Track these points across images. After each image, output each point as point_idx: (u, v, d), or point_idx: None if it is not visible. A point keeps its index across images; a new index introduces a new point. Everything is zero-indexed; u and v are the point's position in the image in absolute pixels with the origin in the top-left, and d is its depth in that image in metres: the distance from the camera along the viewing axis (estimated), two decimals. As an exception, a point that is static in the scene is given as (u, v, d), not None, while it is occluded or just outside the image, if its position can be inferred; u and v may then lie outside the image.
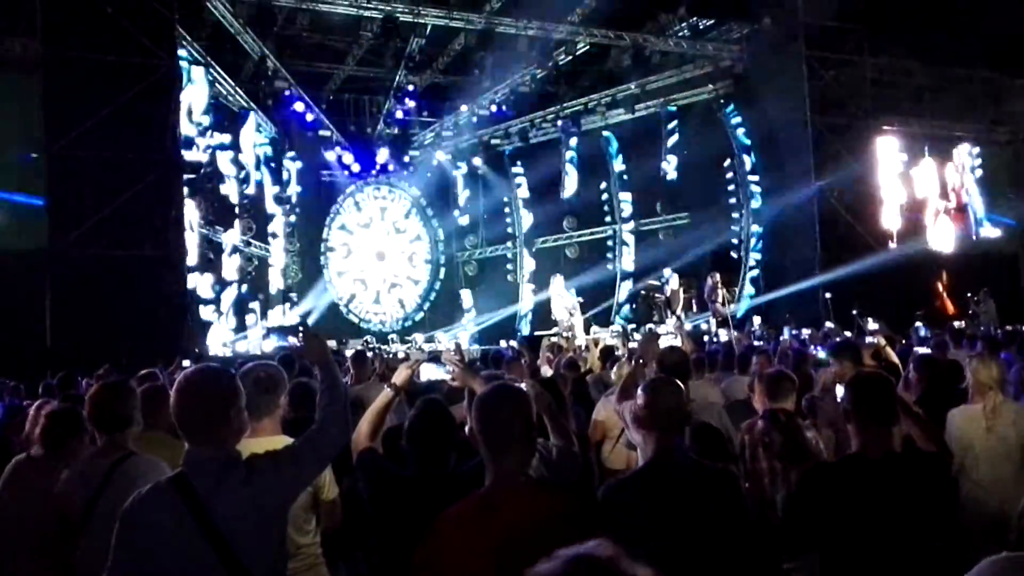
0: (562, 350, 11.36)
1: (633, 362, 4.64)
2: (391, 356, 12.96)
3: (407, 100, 18.81)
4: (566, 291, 16.23)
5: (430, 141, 20.89)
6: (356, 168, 19.54)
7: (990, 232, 20.59)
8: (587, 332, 15.34)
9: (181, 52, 13.48)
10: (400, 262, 21.64)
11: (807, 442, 4.25)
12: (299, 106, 17.70)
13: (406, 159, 20.78)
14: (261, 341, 14.46)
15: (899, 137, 19.33)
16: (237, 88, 16.57)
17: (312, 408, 2.90)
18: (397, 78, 17.86)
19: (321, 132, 18.25)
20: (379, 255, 21.32)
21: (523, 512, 2.31)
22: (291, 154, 18.35)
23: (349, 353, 9.79)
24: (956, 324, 12.97)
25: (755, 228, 18.83)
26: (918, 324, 13.24)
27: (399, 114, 19.02)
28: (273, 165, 17.95)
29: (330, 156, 19.27)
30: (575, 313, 15.69)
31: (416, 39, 16.48)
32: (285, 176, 18.48)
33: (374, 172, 20.19)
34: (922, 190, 19.65)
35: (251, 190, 17.11)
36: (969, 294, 16.90)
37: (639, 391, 3.08)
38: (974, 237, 20.30)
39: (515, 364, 6.80)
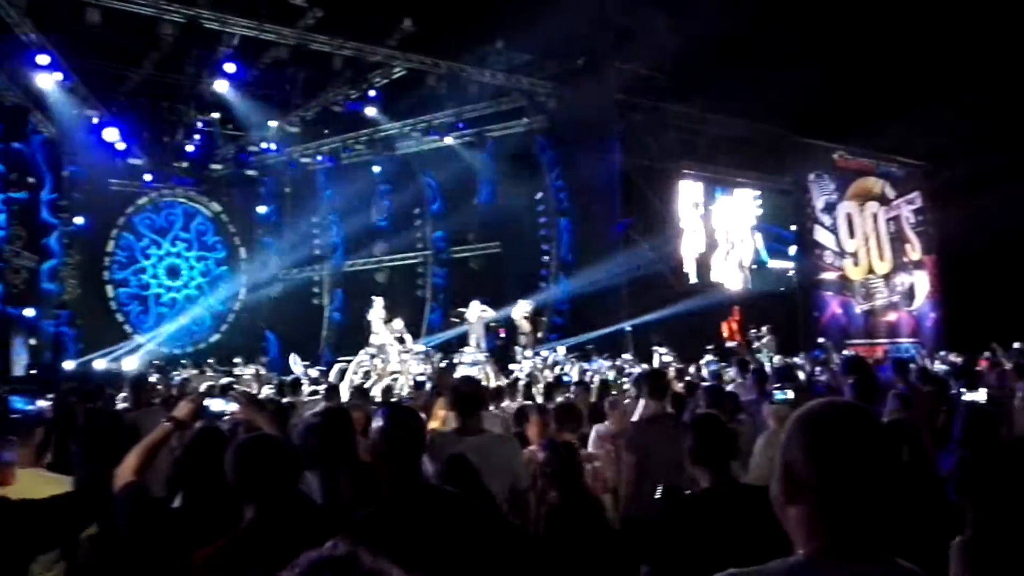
0: (369, 375, 11.07)
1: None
2: (181, 382, 12.05)
3: (210, 111, 17.72)
4: (384, 312, 15.76)
5: (234, 155, 19.79)
6: (147, 177, 18.15)
7: (771, 271, 22.21)
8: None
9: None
10: (196, 280, 20.31)
11: (584, 474, 4.66)
12: (83, 106, 16.15)
13: (207, 172, 19.58)
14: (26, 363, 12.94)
15: (697, 180, 20.58)
16: (12, 81, 14.88)
17: None
18: (200, 87, 16.78)
19: (109, 137, 16.67)
20: (171, 271, 19.92)
21: (277, 552, 2.16)
22: (73, 158, 16.69)
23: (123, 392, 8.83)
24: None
25: (563, 263, 19.23)
26: (709, 357, 14.10)
27: (200, 124, 17.86)
28: (52, 169, 16.22)
29: (119, 163, 17.74)
30: (406, 337, 15.39)
31: (222, 48, 15.59)
32: (64, 182, 16.76)
33: (170, 183, 18.85)
34: (716, 231, 20.96)
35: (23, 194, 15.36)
36: (752, 329, 18.13)
37: (374, 420, 3.01)
38: (755, 271, 21.80)
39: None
